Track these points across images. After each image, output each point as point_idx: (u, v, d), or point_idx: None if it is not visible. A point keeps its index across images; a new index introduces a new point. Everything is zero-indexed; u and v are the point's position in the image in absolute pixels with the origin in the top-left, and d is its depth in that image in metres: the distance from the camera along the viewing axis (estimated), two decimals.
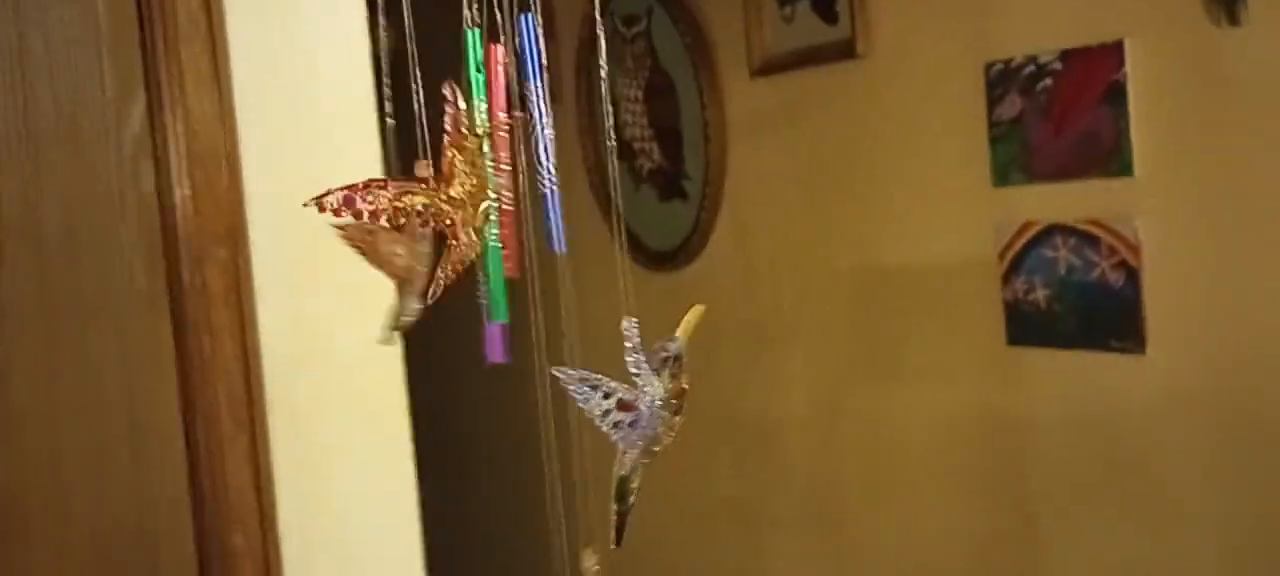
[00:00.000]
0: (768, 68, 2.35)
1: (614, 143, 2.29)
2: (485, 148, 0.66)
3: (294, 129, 1.14)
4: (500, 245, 0.68)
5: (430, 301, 0.69)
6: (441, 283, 0.68)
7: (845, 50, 2.18)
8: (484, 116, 0.65)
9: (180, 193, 1.09)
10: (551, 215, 0.65)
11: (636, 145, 2.68)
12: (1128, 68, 1.79)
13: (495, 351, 0.71)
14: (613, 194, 2.59)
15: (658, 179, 2.65)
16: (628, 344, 0.68)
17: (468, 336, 1.06)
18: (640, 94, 2.64)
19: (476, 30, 0.64)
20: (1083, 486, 1.94)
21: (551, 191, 0.65)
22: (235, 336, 1.08)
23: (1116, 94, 1.81)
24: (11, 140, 0.98)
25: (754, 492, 2.54)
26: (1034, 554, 2.02)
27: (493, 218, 0.68)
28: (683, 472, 2.45)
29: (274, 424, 1.07)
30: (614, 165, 2.54)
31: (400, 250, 0.64)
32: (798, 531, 2.45)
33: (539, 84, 0.65)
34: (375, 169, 1.10)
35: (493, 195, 0.68)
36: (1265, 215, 1.67)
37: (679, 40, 2.50)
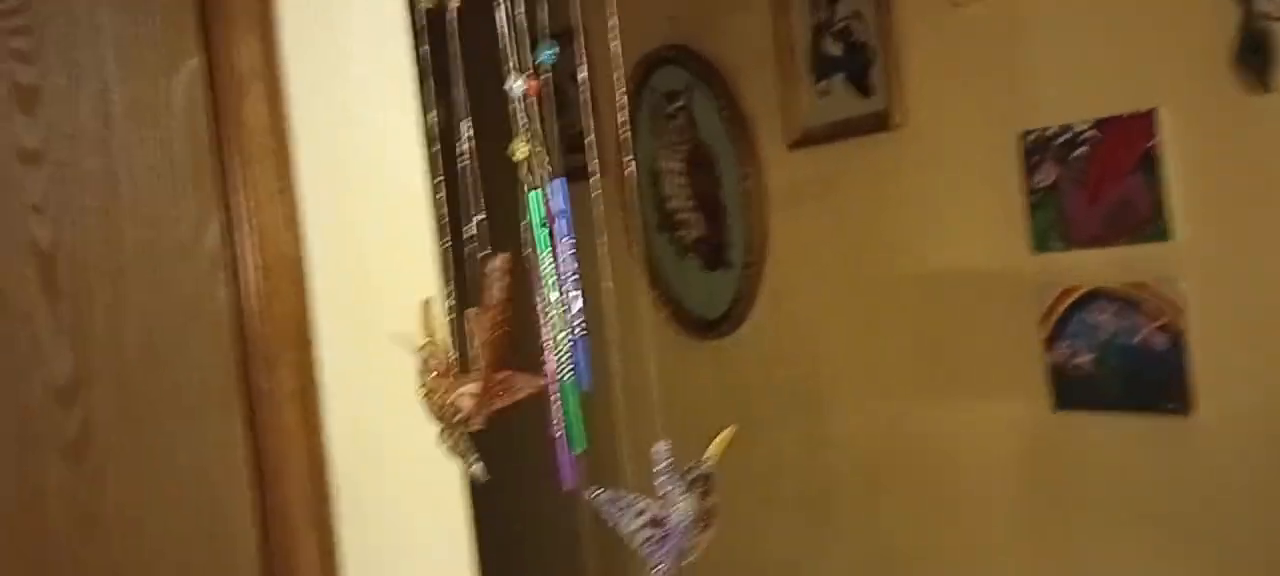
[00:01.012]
0: (805, 140, 2.40)
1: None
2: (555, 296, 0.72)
3: (358, 237, 1.21)
4: (577, 380, 0.74)
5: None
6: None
7: (880, 122, 2.23)
8: (549, 268, 0.72)
9: (252, 301, 1.16)
10: (580, 360, 0.72)
11: (680, 216, 2.74)
12: (1161, 136, 1.82)
13: (569, 478, 0.76)
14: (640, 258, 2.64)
15: (702, 249, 2.70)
16: (657, 467, 0.73)
17: (529, 446, 1.12)
18: (683, 166, 2.71)
19: (537, 192, 0.70)
20: (1135, 548, 1.94)
21: (580, 340, 0.72)
22: (305, 437, 1.14)
23: (1150, 162, 1.83)
24: (100, 266, 1.06)
25: (804, 555, 2.56)
26: None
27: (565, 353, 0.74)
28: (734, 539, 2.47)
29: (342, 523, 1.13)
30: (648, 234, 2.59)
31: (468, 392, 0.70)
32: None
33: (569, 243, 0.72)
34: (432, 277, 1.17)
35: (568, 331, 0.74)
36: None
37: (718, 114, 2.56)
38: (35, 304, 1.05)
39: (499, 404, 0.76)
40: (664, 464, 0.74)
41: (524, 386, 0.73)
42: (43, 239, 1.04)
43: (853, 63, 2.30)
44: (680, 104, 2.67)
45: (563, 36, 0.78)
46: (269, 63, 1.15)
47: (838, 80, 2.33)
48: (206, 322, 1.15)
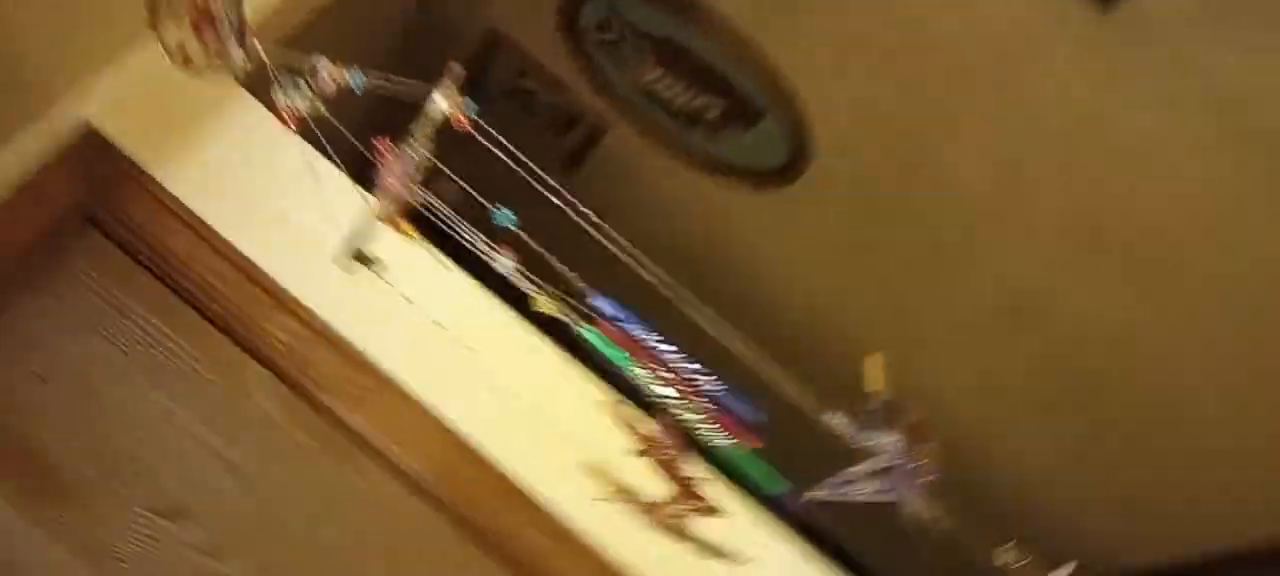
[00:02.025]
0: None
1: None
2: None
3: None
4: (739, 443, 0.70)
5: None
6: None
7: None
8: (652, 380, 0.69)
9: None
10: (735, 406, 0.68)
11: (692, 107, 2.65)
12: None
13: (792, 504, 0.74)
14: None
15: (732, 116, 2.60)
16: (843, 431, 0.69)
17: None
18: (659, 69, 2.60)
19: (589, 330, 0.67)
20: None
21: (721, 394, 0.68)
22: None
23: None
24: None
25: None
26: None
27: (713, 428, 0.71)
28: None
29: None
30: None
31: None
32: None
33: (644, 330, 0.68)
34: None
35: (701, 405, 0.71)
36: None
37: (647, 5, 2.45)
38: None
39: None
40: (846, 426, 0.70)
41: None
42: None
43: None
44: (613, 27, 2.57)
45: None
46: None
47: None
48: None
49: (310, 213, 1.19)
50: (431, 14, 2.76)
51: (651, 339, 0.70)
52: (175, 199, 1.27)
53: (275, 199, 1.25)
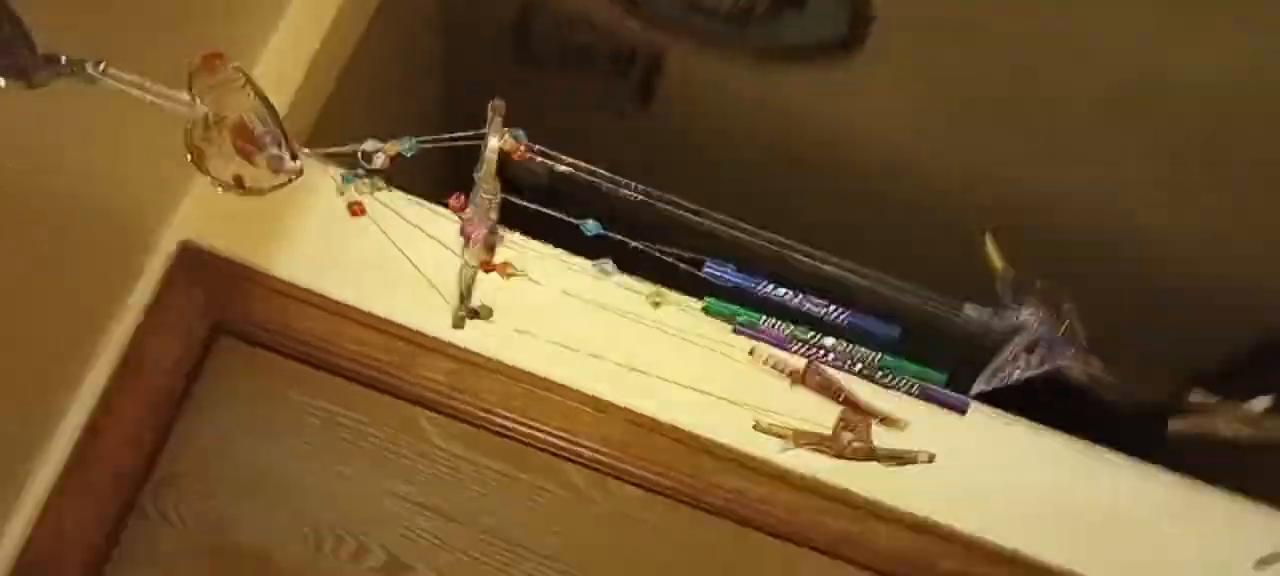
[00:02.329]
0: None
1: None
2: None
3: None
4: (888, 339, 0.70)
5: None
6: None
7: None
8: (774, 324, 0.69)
9: None
10: (869, 325, 0.68)
11: (742, 3, 2.58)
12: None
13: (960, 403, 0.73)
14: None
15: (781, 5, 2.52)
16: (980, 317, 0.67)
17: None
18: None
19: (712, 301, 0.67)
20: None
21: (849, 317, 0.68)
22: None
23: None
24: None
25: None
26: None
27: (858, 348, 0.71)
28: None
29: None
30: None
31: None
32: None
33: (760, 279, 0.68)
34: None
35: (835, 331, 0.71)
36: None
37: None
38: None
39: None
40: (982, 315, 0.69)
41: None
42: None
43: None
44: None
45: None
46: None
47: None
48: None
49: (420, 258, 1.22)
50: (458, 9, 2.76)
51: (761, 282, 0.69)
52: (289, 284, 1.31)
53: (380, 255, 1.28)
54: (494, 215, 0.66)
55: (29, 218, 1.01)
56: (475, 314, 0.72)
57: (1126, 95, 2.33)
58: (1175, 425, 0.68)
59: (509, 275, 0.69)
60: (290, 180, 0.62)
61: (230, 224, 1.32)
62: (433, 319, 1.30)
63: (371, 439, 1.34)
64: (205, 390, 1.32)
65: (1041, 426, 1.35)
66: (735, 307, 0.72)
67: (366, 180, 0.63)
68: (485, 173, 0.62)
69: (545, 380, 1.31)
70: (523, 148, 0.63)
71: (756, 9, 2.58)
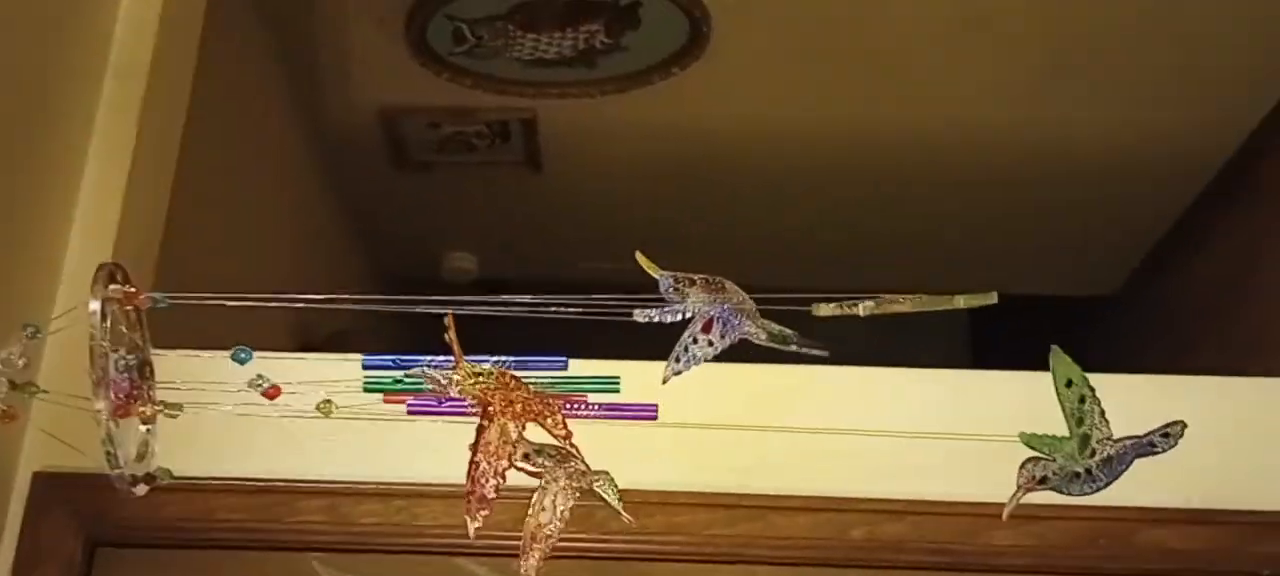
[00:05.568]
0: None
1: None
2: None
3: None
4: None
5: None
6: None
7: None
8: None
9: None
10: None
11: (581, 43, 2.60)
12: None
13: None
14: None
15: (616, 24, 2.55)
16: (652, 316, 0.68)
17: None
18: (526, 34, 2.56)
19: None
20: None
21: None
22: None
23: None
24: None
25: None
26: None
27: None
28: None
29: None
30: None
31: None
32: None
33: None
34: None
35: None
36: None
37: None
38: None
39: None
40: (652, 314, 0.70)
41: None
42: None
43: None
44: (464, 35, 2.54)
45: None
46: None
47: None
48: None
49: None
50: (329, 137, 2.80)
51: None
52: None
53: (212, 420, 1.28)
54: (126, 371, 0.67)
55: None
56: (152, 477, 0.72)
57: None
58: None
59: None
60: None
61: (80, 438, 1.33)
62: (290, 461, 1.31)
63: None
64: None
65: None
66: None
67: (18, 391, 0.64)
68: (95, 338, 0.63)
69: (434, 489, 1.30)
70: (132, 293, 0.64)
71: (595, 41, 2.60)
